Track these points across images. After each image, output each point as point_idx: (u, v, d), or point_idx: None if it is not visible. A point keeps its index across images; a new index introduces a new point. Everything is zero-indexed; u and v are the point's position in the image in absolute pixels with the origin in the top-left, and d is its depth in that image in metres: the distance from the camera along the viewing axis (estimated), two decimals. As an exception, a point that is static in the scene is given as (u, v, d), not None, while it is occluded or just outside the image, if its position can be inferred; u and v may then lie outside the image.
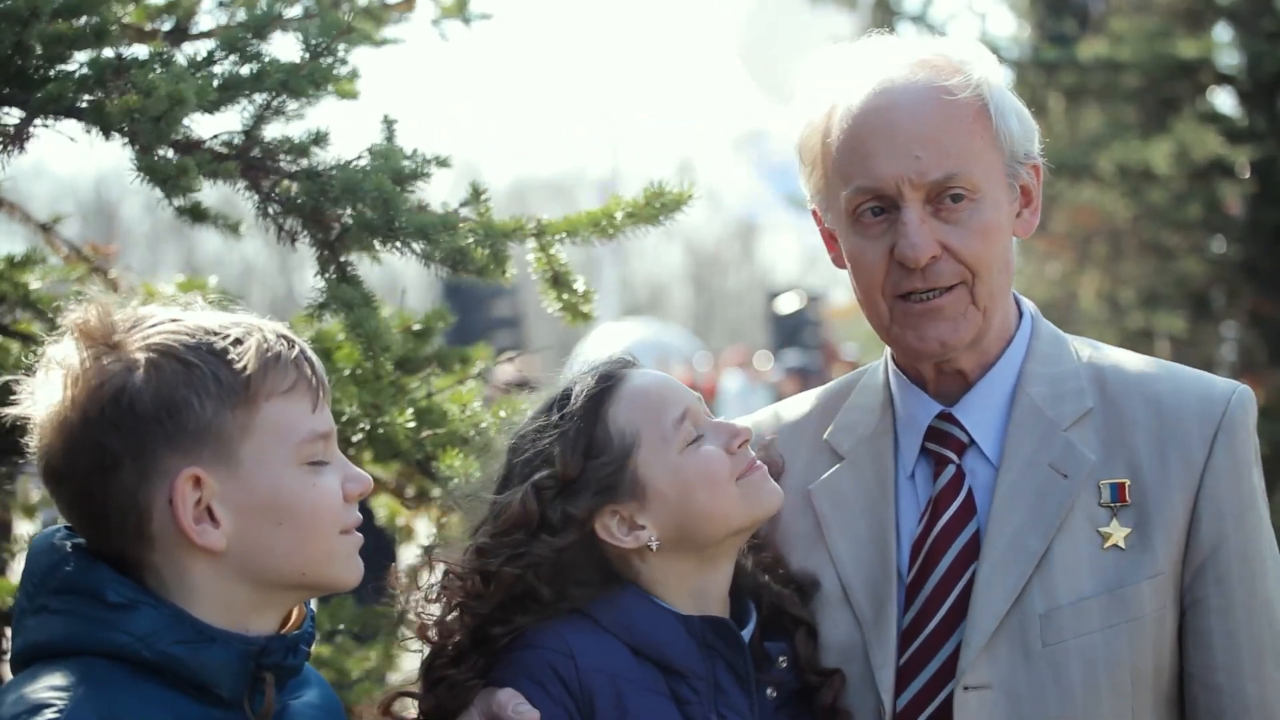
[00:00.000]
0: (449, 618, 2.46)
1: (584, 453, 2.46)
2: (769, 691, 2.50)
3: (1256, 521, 2.51)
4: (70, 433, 2.05)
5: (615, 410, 2.49)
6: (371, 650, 3.90)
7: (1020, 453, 2.54)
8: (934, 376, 2.61)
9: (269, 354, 2.10)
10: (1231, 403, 2.53)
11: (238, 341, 2.09)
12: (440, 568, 2.51)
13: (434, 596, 2.49)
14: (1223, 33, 13.40)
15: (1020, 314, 2.65)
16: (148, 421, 2.03)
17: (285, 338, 2.15)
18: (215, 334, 2.09)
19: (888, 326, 2.55)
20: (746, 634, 2.52)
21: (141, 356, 2.05)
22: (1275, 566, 2.52)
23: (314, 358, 2.17)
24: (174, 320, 2.10)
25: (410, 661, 2.61)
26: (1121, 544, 2.47)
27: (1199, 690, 2.48)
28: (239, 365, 2.07)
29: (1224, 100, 13.40)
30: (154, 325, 2.09)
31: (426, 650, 2.51)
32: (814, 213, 2.64)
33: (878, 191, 2.49)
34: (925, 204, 2.47)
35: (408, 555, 3.44)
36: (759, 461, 2.53)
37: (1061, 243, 13.93)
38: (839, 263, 2.61)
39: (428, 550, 2.63)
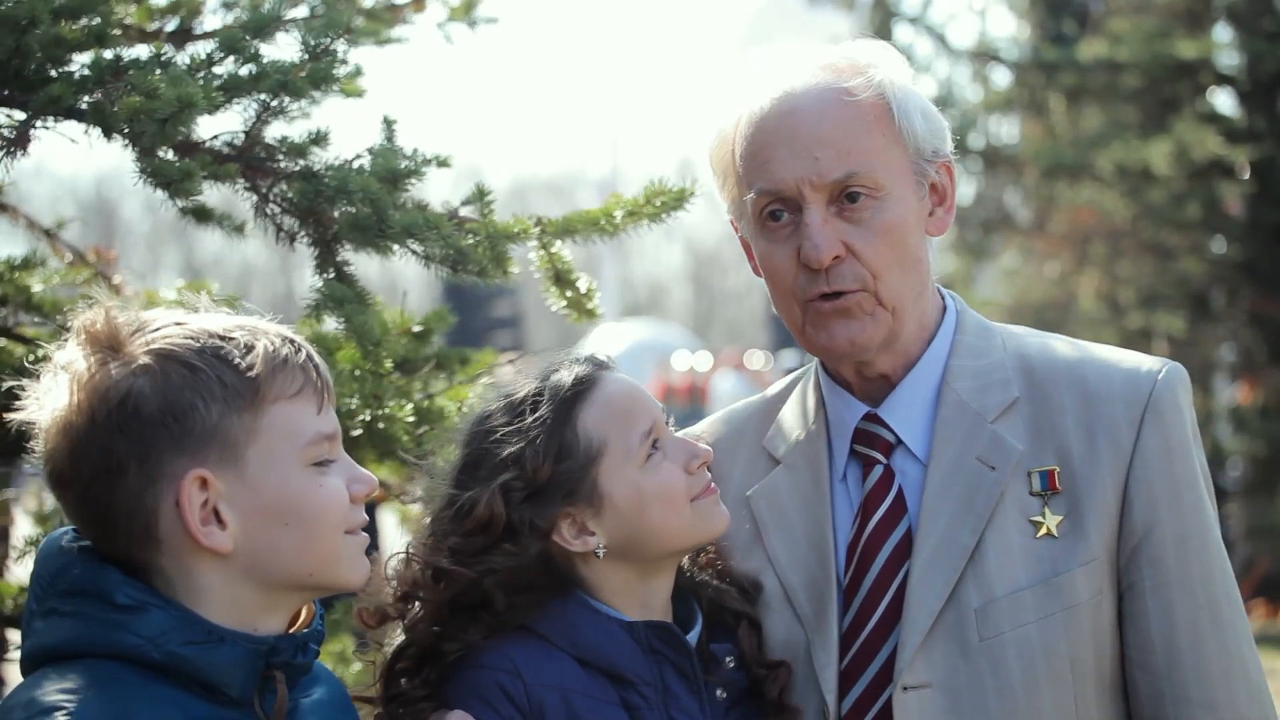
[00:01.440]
0: (392, 603, 2.45)
1: (555, 457, 2.45)
2: (719, 692, 2.49)
3: (1194, 501, 2.48)
4: (76, 437, 2.04)
5: (585, 415, 2.47)
6: (369, 658, 3.89)
7: (948, 449, 2.52)
8: (856, 379, 2.60)
9: (275, 358, 2.10)
10: (1159, 382, 2.49)
11: (243, 345, 2.09)
12: (400, 555, 2.50)
13: (389, 580, 2.47)
14: (1223, 33, 13.42)
15: (944, 309, 2.63)
16: (153, 425, 2.03)
17: (290, 340, 2.14)
18: (220, 337, 2.09)
19: (801, 329, 2.54)
20: (694, 636, 2.52)
21: (147, 360, 2.05)
22: (1215, 546, 2.50)
23: (319, 360, 2.17)
24: (179, 324, 2.10)
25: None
26: (1054, 532, 2.45)
27: (1138, 674, 2.46)
28: (245, 368, 2.07)
29: (1224, 100, 13.42)
30: (159, 329, 2.08)
31: (384, 655, 2.51)
32: (732, 223, 2.65)
33: (779, 194, 2.49)
34: (828, 204, 2.47)
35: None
36: (713, 484, 2.53)
37: (1060, 243, 13.95)
38: (758, 271, 2.61)
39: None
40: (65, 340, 2.10)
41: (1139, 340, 12.90)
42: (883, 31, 12.93)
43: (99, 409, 2.03)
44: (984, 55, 14.00)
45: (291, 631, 2.16)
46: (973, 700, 2.42)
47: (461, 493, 2.48)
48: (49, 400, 2.07)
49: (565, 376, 2.51)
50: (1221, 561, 2.50)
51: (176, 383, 2.04)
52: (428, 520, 2.53)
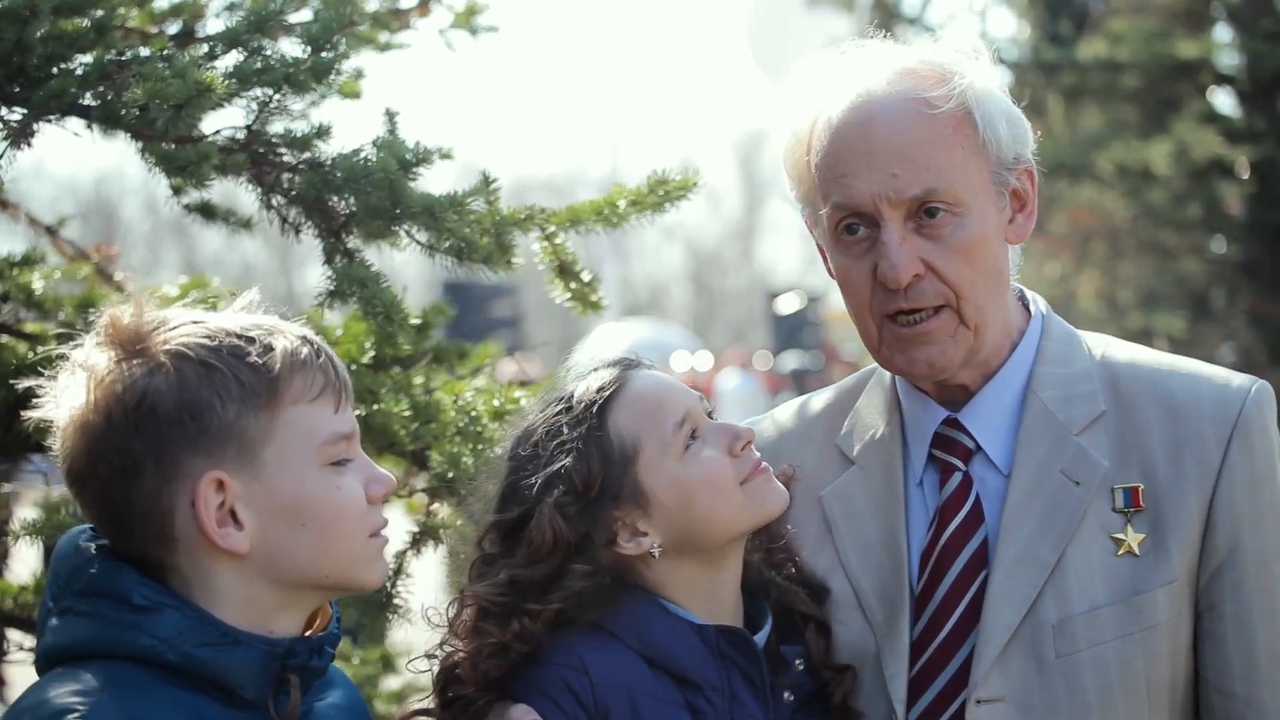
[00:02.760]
0: (490, 661, 2.40)
1: (597, 464, 2.42)
2: (786, 695, 2.46)
3: (1276, 523, 2.45)
4: (93, 435, 2.04)
5: (616, 416, 2.45)
6: (370, 653, 3.90)
7: (1031, 460, 2.47)
8: (934, 387, 2.56)
9: (294, 357, 2.09)
10: (1248, 401, 2.45)
11: (261, 344, 2.08)
12: (474, 604, 2.44)
13: (471, 639, 2.41)
14: (1223, 33, 13.42)
15: (1030, 314, 2.59)
16: (170, 424, 2.02)
17: (308, 340, 2.14)
18: (238, 337, 2.08)
19: (878, 347, 2.51)
20: (762, 636, 2.49)
21: (164, 359, 2.04)
22: None
23: (336, 359, 2.16)
24: (197, 323, 2.09)
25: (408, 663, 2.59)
26: (1136, 550, 2.41)
27: (1215, 697, 2.43)
28: (262, 368, 2.07)
29: (1224, 100, 13.42)
30: (176, 328, 2.08)
31: (438, 664, 2.48)
32: (806, 224, 2.60)
33: (856, 209, 2.43)
34: (906, 220, 2.41)
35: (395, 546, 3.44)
36: (764, 463, 2.48)
37: (1061, 243, 13.95)
38: (833, 274, 2.56)
39: (461, 587, 2.55)
40: (82, 338, 2.10)
41: (1139, 340, 12.86)
42: (878, 34, 12.93)
43: (115, 408, 2.03)
44: (984, 55, 13.99)
45: (307, 634, 2.15)
46: (1047, 716, 2.38)
47: (504, 517, 2.45)
48: (66, 399, 2.07)
49: (593, 383, 2.47)
50: None
51: (193, 382, 2.04)
52: (479, 557, 2.49)
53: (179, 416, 2.02)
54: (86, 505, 2.10)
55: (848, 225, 2.45)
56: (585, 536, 2.40)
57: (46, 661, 2.07)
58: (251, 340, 2.08)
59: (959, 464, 2.52)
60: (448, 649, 2.44)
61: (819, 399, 2.77)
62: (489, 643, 2.38)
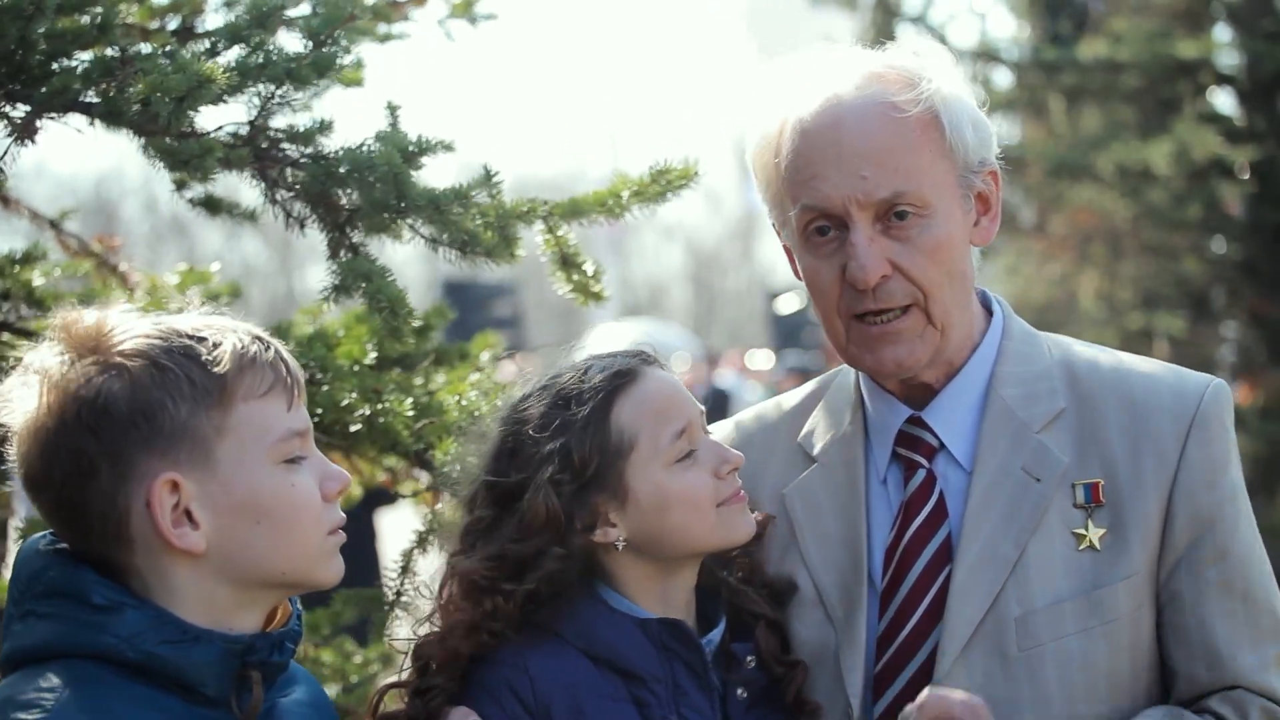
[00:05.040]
0: (459, 640, 2.45)
1: (596, 450, 2.47)
2: (739, 691, 2.51)
3: (1234, 515, 2.50)
4: (47, 439, 2.05)
5: (620, 409, 2.49)
6: (371, 651, 3.90)
7: (993, 457, 2.52)
8: (899, 387, 2.61)
9: (243, 355, 2.11)
10: (1205, 398, 2.51)
11: (211, 343, 2.10)
12: (457, 578, 2.49)
13: (452, 610, 2.47)
14: (1223, 33, 13.41)
15: (990, 314, 2.64)
16: (123, 425, 2.04)
17: (259, 338, 2.16)
18: (189, 337, 2.11)
19: (845, 346, 2.54)
20: (716, 635, 2.54)
21: (117, 360, 2.06)
22: (1258, 560, 2.51)
23: (289, 357, 2.19)
24: (149, 324, 2.12)
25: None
26: (1096, 545, 2.46)
27: (1183, 685, 2.47)
28: (214, 366, 2.09)
29: (1224, 100, 13.41)
30: (129, 330, 2.10)
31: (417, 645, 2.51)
32: (774, 228, 2.64)
33: (825, 211, 2.47)
34: (874, 222, 2.45)
35: (396, 548, 3.45)
36: (742, 491, 2.54)
37: (1061, 243, 13.95)
38: (799, 275, 2.61)
39: (450, 556, 2.58)
40: (40, 342, 2.11)
41: (1139, 340, 12.90)
42: (884, 32, 12.93)
43: (69, 410, 2.04)
44: (984, 56, 14.00)
45: (268, 630, 2.17)
46: (1009, 709, 2.42)
47: (500, 480, 2.50)
48: (20, 403, 2.09)
49: (608, 368, 2.52)
50: (1261, 574, 2.51)
51: (145, 382, 2.05)
52: (470, 519, 2.53)
53: (132, 417, 2.04)
54: (44, 509, 2.12)
55: (817, 227, 2.49)
56: (570, 517, 2.42)
57: (10, 665, 2.08)
58: (203, 340, 2.10)
59: (923, 461, 2.57)
60: (429, 629, 2.48)
61: (784, 402, 2.82)
62: (460, 621, 2.43)
